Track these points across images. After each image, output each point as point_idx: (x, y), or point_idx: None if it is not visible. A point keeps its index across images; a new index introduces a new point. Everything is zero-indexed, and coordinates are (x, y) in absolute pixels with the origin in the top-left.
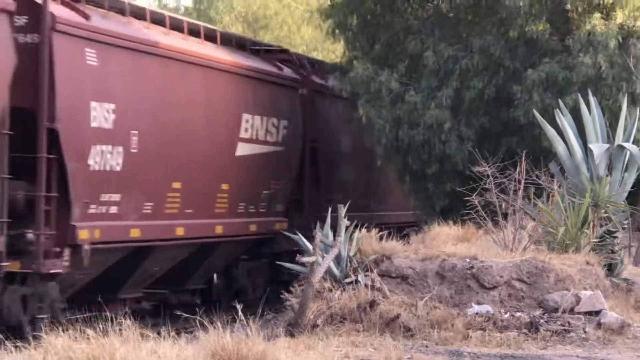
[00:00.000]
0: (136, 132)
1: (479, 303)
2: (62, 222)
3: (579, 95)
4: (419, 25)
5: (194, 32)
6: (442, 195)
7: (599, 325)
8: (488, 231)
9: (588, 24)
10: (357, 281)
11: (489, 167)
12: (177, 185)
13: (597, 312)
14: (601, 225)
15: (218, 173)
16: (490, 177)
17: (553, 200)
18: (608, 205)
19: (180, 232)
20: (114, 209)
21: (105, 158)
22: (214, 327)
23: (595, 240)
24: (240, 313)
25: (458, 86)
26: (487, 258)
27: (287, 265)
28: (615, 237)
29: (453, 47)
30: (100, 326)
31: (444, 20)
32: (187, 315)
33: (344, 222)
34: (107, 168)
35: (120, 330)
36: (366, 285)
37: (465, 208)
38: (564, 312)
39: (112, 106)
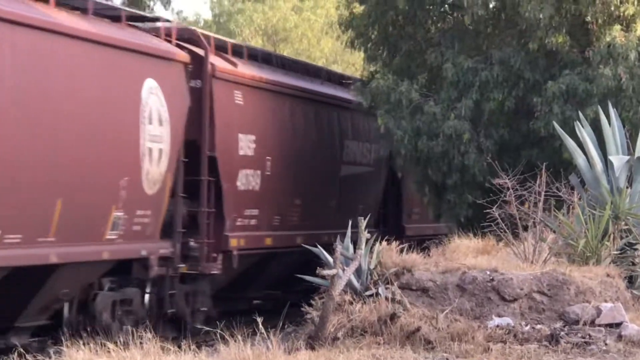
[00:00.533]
0: (270, 158)
1: (499, 315)
2: (217, 233)
3: (599, 107)
4: (439, 37)
5: (309, 71)
6: (464, 206)
7: (619, 337)
8: (508, 243)
9: (608, 35)
10: (377, 294)
11: (508, 179)
12: (297, 201)
13: (618, 325)
14: (622, 238)
15: (327, 191)
16: (510, 190)
17: (573, 212)
18: (628, 217)
19: (299, 240)
20: (253, 222)
21: (248, 180)
22: (235, 340)
23: (615, 252)
24: (260, 326)
25: (478, 98)
26: (508, 270)
27: (308, 278)
28: (635, 249)
29: (473, 59)
30: (121, 339)
31: (464, 32)
32: (208, 328)
33: (365, 235)
34: (250, 188)
35: (141, 343)
36: (387, 298)
37: (485, 220)
38: (584, 324)
39: (253, 137)
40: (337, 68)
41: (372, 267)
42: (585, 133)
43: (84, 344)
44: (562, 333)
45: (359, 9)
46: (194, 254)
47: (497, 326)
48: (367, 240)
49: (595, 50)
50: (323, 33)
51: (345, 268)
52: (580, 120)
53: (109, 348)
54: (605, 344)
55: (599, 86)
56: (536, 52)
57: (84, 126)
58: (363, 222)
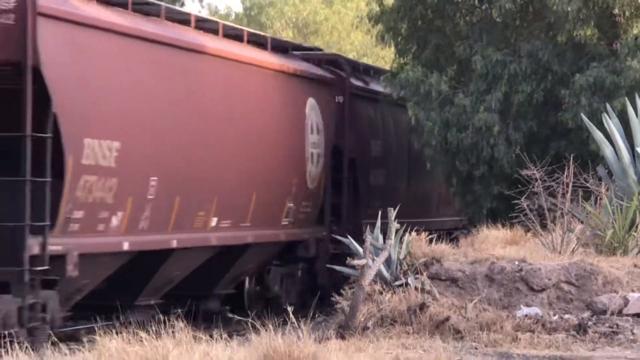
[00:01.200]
0: (392, 157)
1: (527, 305)
2: (355, 219)
3: (627, 99)
4: (467, 30)
5: None
6: (489, 197)
7: None
8: (536, 234)
9: (635, 28)
10: (407, 284)
11: (537, 170)
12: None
13: None
14: None
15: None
16: (539, 181)
17: (601, 203)
18: None
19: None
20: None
21: (377, 177)
22: (266, 330)
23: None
24: (291, 315)
25: (507, 90)
26: (536, 261)
27: (338, 268)
28: None
29: (501, 51)
30: (154, 329)
31: (492, 25)
32: (239, 317)
33: (394, 226)
34: (378, 184)
35: (173, 332)
36: (416, 288)
37: (513, 211)
38: (612, 314)
39: (380, 142)
40: (368, 61)
41: (401, 257)
42: (612, 125)
43: (116, 333)
44: (590, 323)
45: (388, 3)
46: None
47: (526, 316)
48: (397, 231)
49: (623, 42)
50: (353, 27)
51: (375, 258)
52: (607, 112)
53: (141, 337)
54: (633, 334)
55: (627, 78)
56: (564, 44)
57: (270, 138)
58: (393, 213)
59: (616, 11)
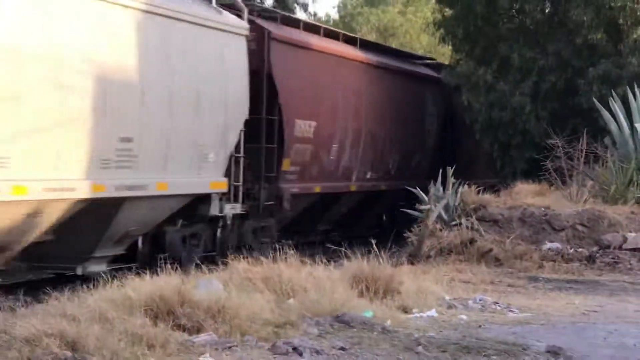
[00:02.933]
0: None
1: (550, 241)
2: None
3: (628, 87)
4: (507, 34)
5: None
6: (522, 160)
7: (637, 257)
8: (558, 188)
9: (635, 33)
10: (460, 224)
11: (558, 140)
12: None
13: (638, 250)
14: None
15: None
16: (560, 148)
17: (606, 165)
18: None
19: None
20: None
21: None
22: (355, 257)
23: (638, 195)
24: (374, 246)
25: (536, 80)
26: (557, 208)
27: (408, 211)
28: None
29: (533, 50)
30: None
31: (526, 30)
32: (335, 247)
33: (451, 180)
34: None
35: (285, 258)
36: (467, 227)
37: (540, 170)
38: (614, 248)
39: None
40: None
41: (456, 203)
42: (616, 106)
43: (243, 258)
44: (597, 255)
45: (448, 13)
46: None
47: (549, 249)
48: (453, 184)
49: (625, 44)
50: (421, 30)
51: (437, 204)
52: (613, 97)
53: (262, 261)
54: (630, 264)
55: (628, 72)
56: (580, 45)
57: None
58: (450, 170)
59: (620, 21)
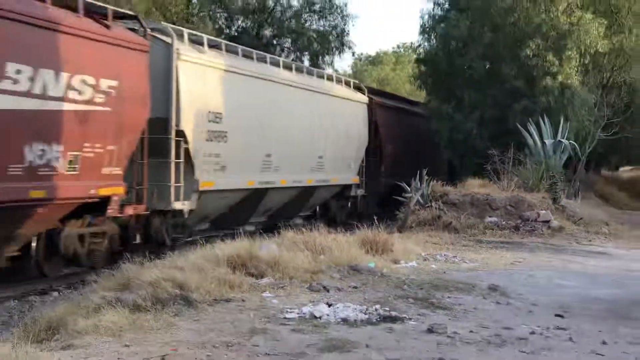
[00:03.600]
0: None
1: (490, 216)
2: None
3: (539, 117)
4: (461, 82)
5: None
6: (472, 165)
7: (549, 227)
8: (495, 182)
9: (544, 81)
10: (431, 206)
11: (495, 151)
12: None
13: (548, 221)
14: (549, 179)
15: None
16: (496, 156)
17: (526, 167)
18: (552, 169)
19: None
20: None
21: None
22: (362, 228)
23: (547, 186)
24: (376, 221)
25: (480, 112)
26: (494, 195)
27: (399, 198)
28: (556, 185)
29: (477, 93)
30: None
31: (473, 80)
32: (352, 222)
33: (425, 177)
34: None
35: (317, 229)
36: (435, 208)
37: (483, 171)
38: (532, 221)
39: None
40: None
41: (428, 192)
42: (531, 129)
43: (290, 228)
44: (521, 225)
45: (422, 69)
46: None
47: (489, 222)
48: (426, 180)
49: (537, 88)
50: (406, 81)
51: (416, 193)
52: (530, 123)
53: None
54: (542, 231)
55: (539, 107)
56: (508, 89)
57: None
58: (424, 171)
59: (534, 73)
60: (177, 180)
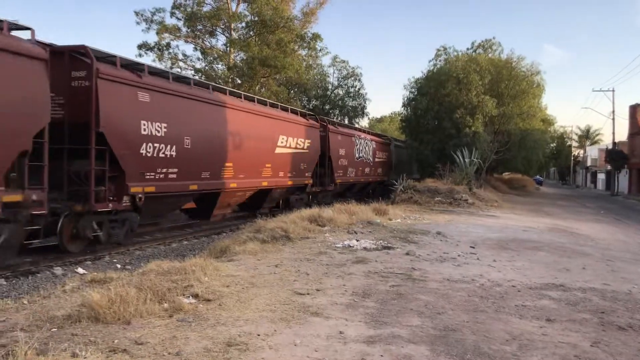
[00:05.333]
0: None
1: (437, 197)
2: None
3: (462, 148)
4: (424, 130)
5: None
6: (428, 171)
7: (467, 202)
8: (440, 180)
9: (464, 130)
10: (407, 192)
11: (440, 164)
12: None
13: (466, 200)
14: (467, 179)
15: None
16: (440, 167)
17: (455, 172)
18: (469, 174)
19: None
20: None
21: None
22: (370, 202)
23: (466, 182)
24: (380, 198)
25: (432, 146)
26: (439, 186)
27: (392, 188)
28: (470, 181)
29: (431, 136)
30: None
31: (429, 129)
32: (367, 198)
33: (402, 177)
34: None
35: (348, 202)
36: (410, 193)
37: (434, 174)
38: (458, 199)
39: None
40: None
41: (405, 184)
42: (458, 154)
43: (318, 204)
44: (453, 202)
45: (404, 124)
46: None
47: (437, 200)
48: (404, 178)
49: (461, 133)
50: (395, 129)
51: (400, 185)
52: (460, 150)
53: (344, 202)
54: (463, 205)
55: (462, 143)
56: (446, 133)
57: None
58: (404, 174)
59: (460, 125)
60: None
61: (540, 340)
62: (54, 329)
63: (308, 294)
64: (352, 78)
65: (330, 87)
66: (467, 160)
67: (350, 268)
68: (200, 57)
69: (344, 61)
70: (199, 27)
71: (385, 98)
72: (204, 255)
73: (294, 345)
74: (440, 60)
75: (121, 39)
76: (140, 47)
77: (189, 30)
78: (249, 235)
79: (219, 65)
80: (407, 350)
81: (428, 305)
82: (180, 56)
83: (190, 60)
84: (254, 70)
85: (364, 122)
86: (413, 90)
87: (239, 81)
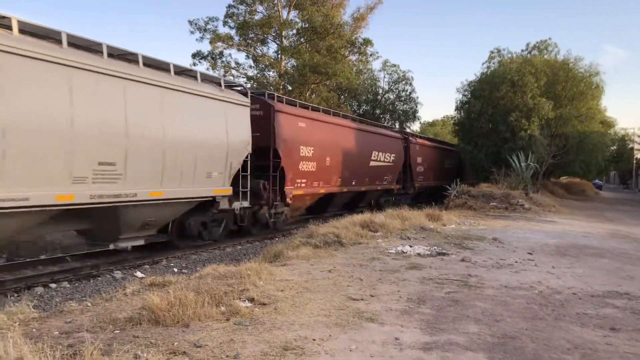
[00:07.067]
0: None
1: (492, 202)
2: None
3: (518, 151)
4: (477, 134)
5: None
6: (482, 176)
7: (523, 208)
8: (495, 184)
9: (520, 133)
10: (461, 197)
11: (495, 168)
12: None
13: (522, 205)
14: (523, 183)
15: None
16: (495, 171)
17: (511, 177)
18: (525, 178)
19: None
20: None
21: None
22: (421, 208)
23: (522, 187)
24: (433, 203)
25: (486, 150)
26: (495, 191)
27: (445, 192)
28: (527, 186)
29: (485, 139)
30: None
31: (483, 133)
32: (418, 203)
33: (456, 182)
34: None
35: (402, 207)
36: (464, 198)
37: (489, 179)
38: (514, 204)
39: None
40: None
41: (460, 189)
42: (514, 158)
43: (367, 211)
44: (508, 207)
45: (457, 128)
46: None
47: (492, 205)
48: (459, 183)
49: (517, 137)
50: (447, 133)
51: (454, 189)
52: (517, 154)
53: (397, 208)
54: (520, 210)
55: (517, 146)
56: (502, 137)
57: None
58: (458, 179)
59: (514, 129)
60: None
61: (604, 350)
62: (116, 331)
63: (362, 299)
64: (403, 82)
65: (380, 91)
66: (523, 164)
67: (404, 274)
68: (252, 64)
69: (394, 65)
70: (250, 35)
71: (437, 101)
72: (258, 259)
73: (349, 350)
74: (493, 63)
75: (173, 47)
76: (194, 55)
77: (241, 39)
78: (301, 240)
79: (270, 73)
80: (465, 358)
81: (485, 313)
82: (233, 64)
83: (243, 68)
84: (304, 77)
85: (415, 127)
86: (466, 93)
87: (290, 88)
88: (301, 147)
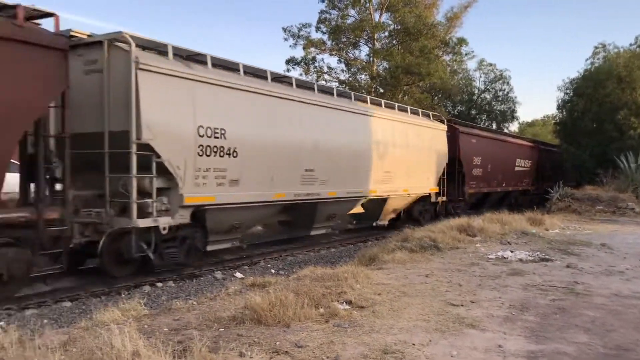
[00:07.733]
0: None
1: (598, 205)
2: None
3: (627, 152)
4: (579, 133)
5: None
6: (586, 178)
7: (633, 211)
8: (601, 186)
9: (629, 132)
10: (564, 200)
11: (601, 170)
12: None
13: (632, 208)
14: (633, 185)
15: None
16: (601, 173)
17: (619, 179)
18: (635, 180)
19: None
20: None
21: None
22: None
23: (631, 189)
24: (534, 207)
25: (591, 150)
26: (601, 194)
27: (547, 196)
28: (637, 188)
29: (589, 139)
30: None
31: (586, 132)
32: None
33: (560, 184)
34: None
35: (500, 211)
36: (567, 201)
37: (594, 181)
38: (623, 208)
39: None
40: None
41: (562, 192)
42: (623, 159)
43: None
44: (616, 210)
45: (558, 128)
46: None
47: (598, 208)
48: (561, 186)
49: (625, 136)
50: (548, 132)
51: (556, 193)
52: (624, 154)
53: (497, 212)
54: (629, 214)
55: (626, 146)
56: (607, 136)
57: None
58: (561, 181)
59: (622, 127)
60: None
61: None
62: (221, 329)
63: (462, 305)
64: (500, 81)
65: (476, 91)
66: (632, 165)
67: (506, 280)
68: (344, 68)
69: (490, 64)
70: (342, 40)
71: (537, 101)
72: (354, 262)
73: (450, 356)
74: (598, 59)
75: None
76: (288, 62)
77: (333, 43)
78: (396, 244)
79: (362, 76)
80: None
81: (595, 322)
82: (325, 69)
83: (335, 72)
84: (397, 79)
85: (513, 127)
86: (568, 91)
87: (382, 90)
88: (473, 157)
